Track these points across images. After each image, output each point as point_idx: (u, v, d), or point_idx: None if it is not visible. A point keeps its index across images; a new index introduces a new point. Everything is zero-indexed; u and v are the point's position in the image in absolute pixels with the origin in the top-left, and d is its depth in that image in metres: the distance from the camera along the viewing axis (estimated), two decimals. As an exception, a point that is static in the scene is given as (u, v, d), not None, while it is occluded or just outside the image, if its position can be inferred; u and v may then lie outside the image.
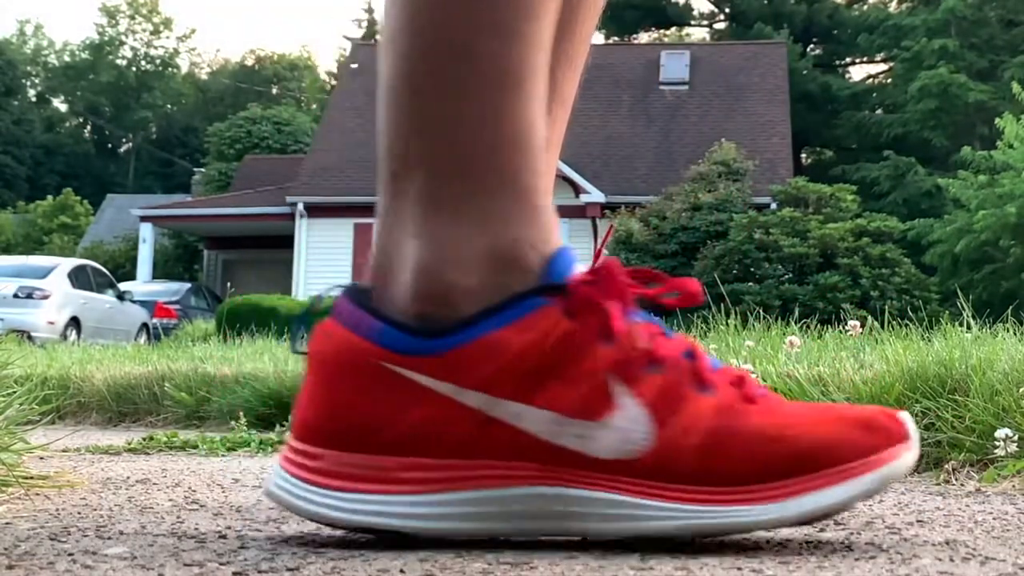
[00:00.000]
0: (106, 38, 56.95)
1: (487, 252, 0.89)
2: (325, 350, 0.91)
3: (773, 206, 17.35)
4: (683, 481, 0.86)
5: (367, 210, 20.92)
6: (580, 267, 0.90)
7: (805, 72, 31.13)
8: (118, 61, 56.88)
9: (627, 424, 0.86)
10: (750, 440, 0.86)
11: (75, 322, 15.55)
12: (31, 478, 1.37)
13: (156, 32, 57.72)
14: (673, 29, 37.58)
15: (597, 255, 0.93)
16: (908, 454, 0.87)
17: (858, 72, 40.04)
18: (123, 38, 57.39)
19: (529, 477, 0.86)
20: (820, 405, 0.94)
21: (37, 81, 57.83)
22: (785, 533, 0.96)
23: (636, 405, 0.86)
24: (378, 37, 0.95)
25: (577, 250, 0.94)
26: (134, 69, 56.85)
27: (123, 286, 18.62)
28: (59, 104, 58.32)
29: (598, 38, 35.54)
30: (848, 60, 36.04)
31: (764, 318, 3.30)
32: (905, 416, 0.90)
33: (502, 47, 0.88)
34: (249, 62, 57.88)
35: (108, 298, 16.80)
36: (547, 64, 0.92)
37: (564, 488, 0.86)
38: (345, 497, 0.87)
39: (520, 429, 0.86)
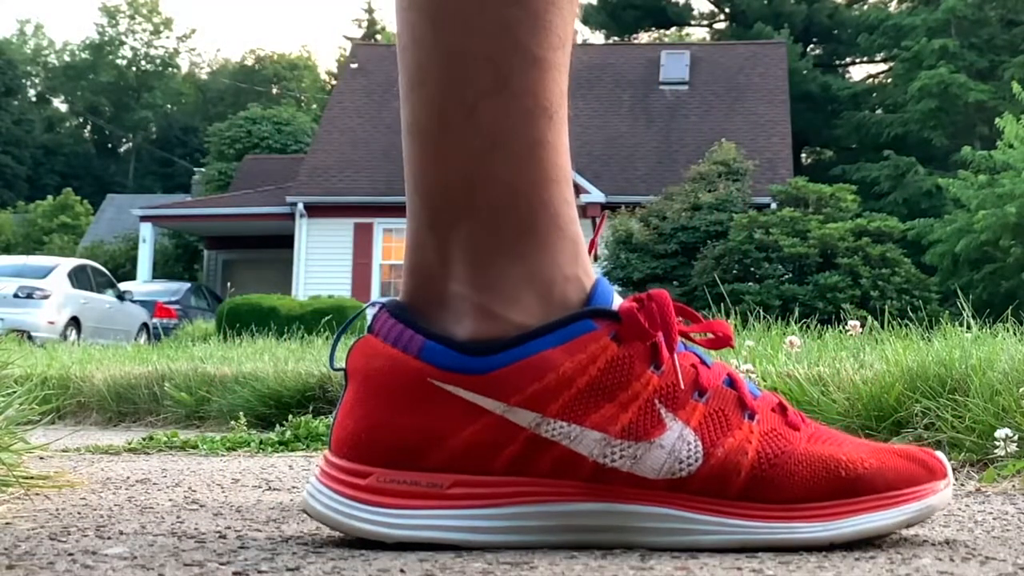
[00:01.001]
0: (106, 38, 56.94)
1: (542, 292, 0.89)
2: (367, 367, 0.90)
3: (773, 206, 17.35)
4: (733, 499, 0.87)
5: (367, 210, 20.91)
6: (618, 296, 0.91)
7: (805, 72, 31.11)
8: (118, 61, 56.88)
9: (676, 444, 0.87)
10: (800, 463, 0.89)
11: (75, 322, 15.54)
12: (31, 478, 1.37)
13: (156, 32, 57.72)
14: (673, 29, 37.54)
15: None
16: (949, 490, 0.92)
17: (858, 72, 40.11)
18: (123, 38, 57.42)
19: (576, 494, 0.87)
20: (857, 438, 0.96)
21: (37, 81, 57.82)
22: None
23: (685, 427, 0.87)
24: (399, 82, 0.91)
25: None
26: (134, 69, 56.86)
27: (123, 286, 18.61)
28: (59, 104, 58.39)
29: (598, 38, 35.54)
30: (848, 60, 36.03)
31: (764, 318, 3.29)
32: (942, 456, 0.94)
33: (538, 80, 0.87)
34: (249, 62, 57.89)
35: (108, 298, 16.79)
36: (566, 89, 0.92)
37: (613, 504, 0.87)
38: (398, 514, 0.87)
39: (569, 448, 0.86)
